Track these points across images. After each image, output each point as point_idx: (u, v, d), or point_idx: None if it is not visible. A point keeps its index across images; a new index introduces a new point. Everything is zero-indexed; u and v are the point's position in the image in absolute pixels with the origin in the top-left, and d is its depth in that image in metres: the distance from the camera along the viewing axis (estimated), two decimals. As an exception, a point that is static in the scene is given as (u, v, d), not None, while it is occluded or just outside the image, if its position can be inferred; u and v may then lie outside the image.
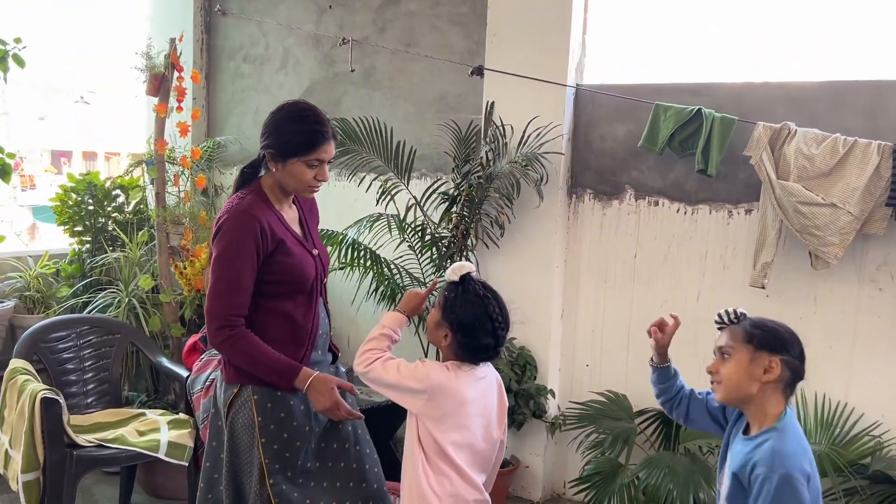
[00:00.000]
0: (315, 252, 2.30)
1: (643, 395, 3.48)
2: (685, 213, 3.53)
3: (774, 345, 1.76)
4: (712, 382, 1.84)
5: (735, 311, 1.83)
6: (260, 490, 2.16)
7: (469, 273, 2.10)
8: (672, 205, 3.55)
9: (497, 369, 3.62)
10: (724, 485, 1.83)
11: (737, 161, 3.30)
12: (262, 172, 2.25)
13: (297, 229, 2.27)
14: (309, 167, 2.13)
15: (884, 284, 3.12)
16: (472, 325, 2.06)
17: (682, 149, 3.35)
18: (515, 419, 3.61)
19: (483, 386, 2.16)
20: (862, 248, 3.14)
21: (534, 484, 3.83)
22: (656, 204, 3.59)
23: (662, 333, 2.04)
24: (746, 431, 1.82)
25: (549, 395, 3.70)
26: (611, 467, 3.32)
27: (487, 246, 3.79)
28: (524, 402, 3.60)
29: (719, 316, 1.85)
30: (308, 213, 2.38)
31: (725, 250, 3.44)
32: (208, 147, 4.68)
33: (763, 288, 3.21)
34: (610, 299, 3.73)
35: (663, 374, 2.07)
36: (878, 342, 3.16)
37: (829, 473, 2.89)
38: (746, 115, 3.23)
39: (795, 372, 1.77)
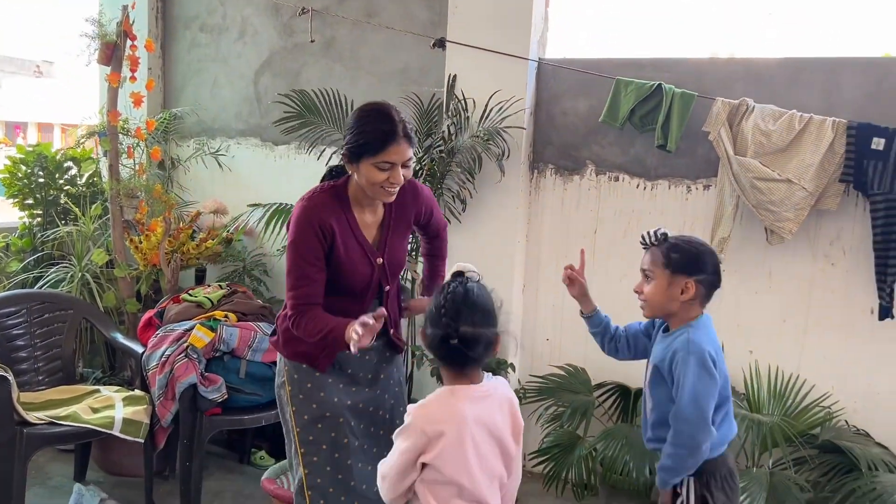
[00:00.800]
0: (379, 261, 2.27)
1: (602, 369, 3.52)
2: (645, 188, 3.55)
3: (690, 268, 1.97)
4: (640, 300, 2.07)
5: (657, 233, 2.03)
6: (295, 462, 2.32)
7: (461, 272, 1.86)
8: (632, 180, 3.57)
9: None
10: (647, 377, 2.10)
11: (696, 137, 3.33)
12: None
13: (368, 234, 2.26)
14: (379, 169, 2.08)
15: (836, 259, 3.19)
16: (427, 318, 1.83)
17: (642, 124, 3.36)
18: (476, 393, 3.62)
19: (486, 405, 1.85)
20: (816, 224, 3.19)
21: (494, 457, 3.86)
22: (616, 179, 3.61)
23: (575, 280, 2.24)
24: (667, 330, 2.08)
25: (510, 369, 3.72)
26: (569, 439, 3.36)
27: (449, 221, 3.74)
28: (485, 376, 3.61)
29: (643, 237, 2.06)
30: (398, 217, 2.30)
31: (683, 225, 3.47)
32: (164, 118, 4.56)
33: (720, 263, 3.24)
34: (570, 274, 3.74)
35: (595, 320, 2.26)
36: (829, 316, 3.23)
37: (780, 444, 2.96)
38: (706, 91, 3.25)
39: (711, 285, 1.99)
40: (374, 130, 2.07)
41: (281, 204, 3.83)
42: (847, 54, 3.19)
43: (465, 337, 1.74)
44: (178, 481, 3.18)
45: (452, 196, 3.69)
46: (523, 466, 3.92)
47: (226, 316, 3.34)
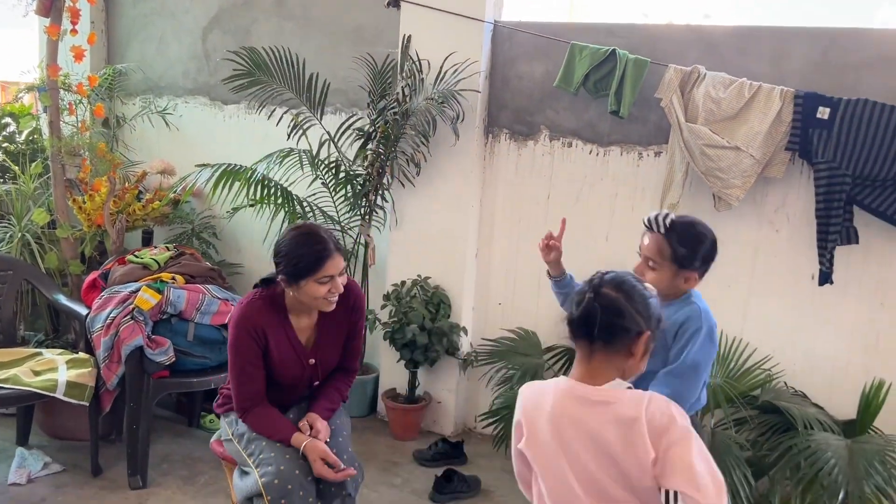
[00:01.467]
0: (311, 361, 2.43)
1: (552, 333, 3.56)
2: (597, 154, 3.57)
3: (696, 262, 1.99)
4: None
5: (664, 221, 2.00)
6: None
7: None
8: (585, 146, 3.59)
9: (410, 308, 3.66)
10: None
11: (648, 103, 3.35)
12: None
13: (302, 337, 2.42)
14: (320, 284, 2.25)
15: (780, 226, 3.26)
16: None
17: (596, 90, 3.37)
18: (429, 356, 3.64)
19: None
20: (762, 191, 3.26)
21: (446, 419, 3.90)
22: (570, 145, 3.62)
23: (553, 248, 2.24)
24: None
25: (462, 333, 3.75)
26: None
27: (403, 185, 3.75)
28: (437, 339, 3.63)
29: (648, 221, 2.04)
30: (332, 318, 2.43)
31: (634, 192, 3.51)
32: (107, 75, 4.41)
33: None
34: (523, 239, 3.76)
35: (563, 283, 2.29)
36: (773, 281, 3.32)
37: (721, 405, 3.05)
38: (660, 58, 3.26)
39: (707, 269, 2.02)
40: (309, 253, 2.24)
41: (230, 165, 3.74)
42: (794, 23, 3.23)
43: (605, 303, 1.49)
44: (124, 445, 3.14)
45: (406, 159, 3.66)
46: (473, 428, 4.00)
47: (173, 278, 3.27)
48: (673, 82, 3.16)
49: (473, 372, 3.83)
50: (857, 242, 3.02)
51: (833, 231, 3.00)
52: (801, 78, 3.12)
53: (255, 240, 4.25)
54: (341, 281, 2.30)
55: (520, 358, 3.50)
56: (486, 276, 3.88)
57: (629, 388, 1.51)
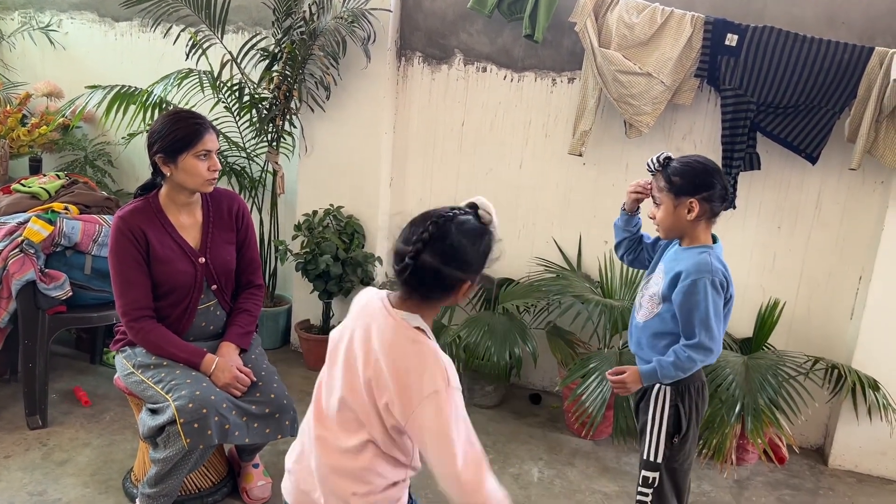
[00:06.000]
0: (201, 260, 2.40)
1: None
2: (512, 80, 3.52)
3: (691, 188, 1.99)
4: (655, 224, 2.08)
5: (660, 159, 2.04)
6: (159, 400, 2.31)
7: (475, 205, 1.55)
8: (500, 71, 3.53)
9: (323, 238, 3.57)
10: (658, 284, 2.08)
11: (562, 28, 3.31)
12: (160, 183, 2.39)
13: (188, 236, 2.40)
14: (199, 159, 2.27)
15: (687, 151, 3.30)
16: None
17: (510, 12, 3.30)
18: (343, 287, 3.59)
19: None
20: (671, 119, 3.31)
21: (361, 349, 3.88)
22: (484, 70, 3.55)
23: (643, 193, 2.18)
24: (681, 243, 2.10)
25: (378, 263, 3.70)
26: (434, 327, 3.42)
27: (312, 109, 3.60)
28: (352, 270, 3.57)
29: (648, 165, 2.07)
30: (216, 220, 2.46)
31: (548, 118, 3.50)
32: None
33: (581, 156, 3.32)
34: (437, 167, 3.71)
35: (635, 220, 2.26)
36: (678, 207, 3.41)
37: (629, 326, 3.15)
38: (574, -20, 3.21)
39: (716, 200, 2.01)
40: (185, 126, 2.27)
41: (124, 87, 3.49)
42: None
43: (425, 269, 1.43)
44: (21, 384, 2.97)
45: (315, 82, 3.51)
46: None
47: (66, 208, 3.06)
48: (587, 6, 3.12)
49: (388, 301, 3.81)
50: (759, 168, 3.13)
51: (737, 157, 3.09)
52: (710, 3, 3.14)
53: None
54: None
55: (434, 286, 3.49)
56: (400, 205, 3.82)
57: (420, 329, 1.48)
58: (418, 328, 1.49)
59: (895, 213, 3.01)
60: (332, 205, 3.72)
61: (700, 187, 1.98)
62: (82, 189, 3.26)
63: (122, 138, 3.83)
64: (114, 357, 3.51)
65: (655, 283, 2.10)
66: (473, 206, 1.52)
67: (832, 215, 3.20)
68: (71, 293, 2.91)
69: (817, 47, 2.91)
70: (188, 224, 2.42)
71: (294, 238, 3.71)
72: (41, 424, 2.95)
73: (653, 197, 2.08)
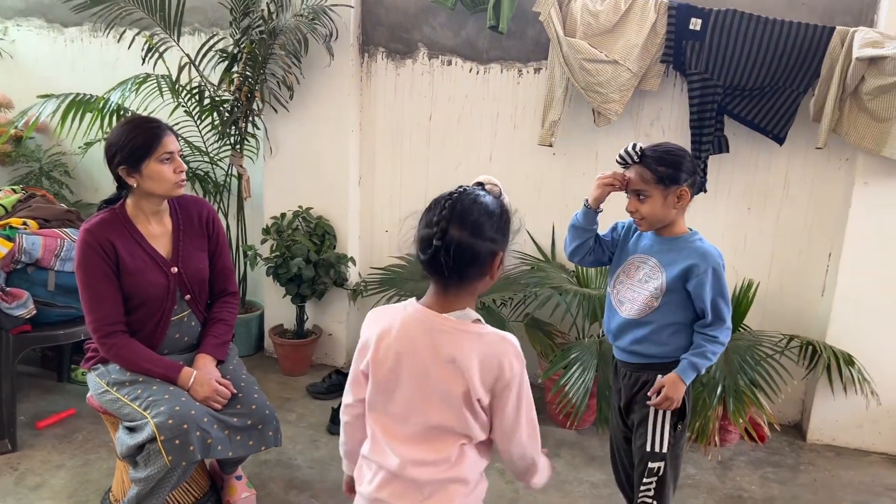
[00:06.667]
0: (174, 270, 2.32)
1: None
2: (477, 72, 3.49)
3: (679, 176, 1.97)
4: (635, 219, 2.04)
5: (634, 150, 1.98)
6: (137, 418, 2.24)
7: (481, 182, 1.55)
8: (465, 64, 3.49)
9: (293, 241, 3.50)
10: (657, 278, 2.03)
11: (526, 18, 3.29)
12: (124, 195, 2.31)
13: (158, 246, 2.31)
14: (162, 162, 2.19)
15: (656, 138, 3.34)
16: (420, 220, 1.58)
17: (473, 4, 3.27)
18: (316, 289, 3.53)
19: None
20: (638, 105, 3.32)
21: (337, 351, 3.83)
22: (449, 63, 3.51)
23: (611, 188, 2.10)
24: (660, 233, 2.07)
25: (351, 263, 3.65)
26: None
27: (276, 110, 3.52)
28: (325, 271, 3.51)
29: (621, 157, 2.01)
30: (186, 228, 2.38)
31: (516, 110, 3.48)
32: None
33: (551, 146, 3.31)
34: (406, 163, 3.67)
35: (593, 216, 2.15)
36: (649, 193, 3.42)
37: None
38: (536, -30, 3.19)
39: (697, 184, 2.04)
40: (142, 132, 2.19)
41: (78, 94, 3.37)
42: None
43: (454, 246, 1.40)
44: (-15, 409, 2.86)
45: (278, 82, 3.43)
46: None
47: (24, 223, 2.94)
48: (551, -5, 3.10)
49: (363, 301, 3.76)
50: (727, 151, 3.15)
51: (706, 141, 3.10)
52: (673, -11, 3.15)
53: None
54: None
55: (411, 284, 3.46)
56: (370, 204, 3.77)
57: (477, 320, 1.48)
58: (476, 321, 1.47)
59: (861, 190, 3.06)
60: (300, 206, 3.66)
61: (685, 173, 1.97)
62: (40, 202, 3.14)
63: (79, 147, 3.70)
64: (83, 374, 3.43)
65: (651, 276, 2.05)
66: (480, 184, 1.52)
67: (800, 194, 3.24)
68: (35, 311, 2.80)
69: (780, 29, 2.94)
70: (158, 233, 2.33)
71: (263, 242, 3.63)
72: (10, 448, 2.84)
73: (633, 191, 2.01)
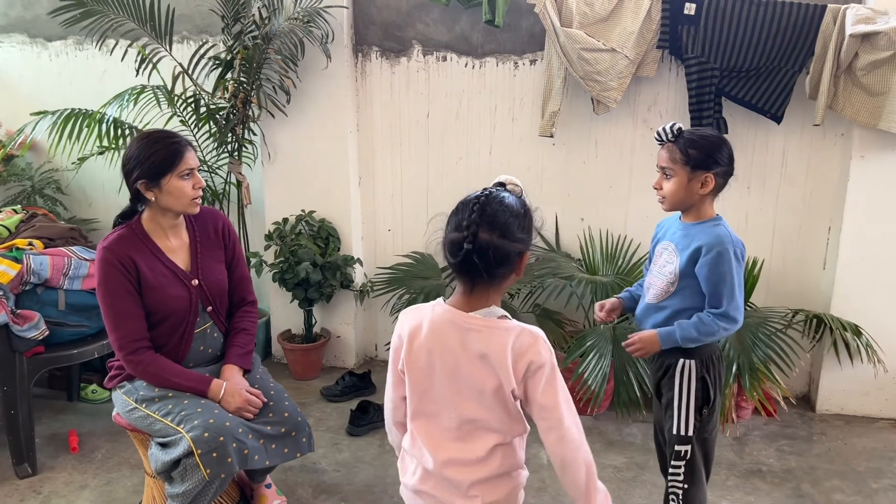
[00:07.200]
0: (195, 282, 2.31)
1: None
2: (473, 67, 3.50)
3: (708, 162, 1.98)
4: (658, 196, 2.07)
5: (672, 129, 2.01)
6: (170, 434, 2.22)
7: (502, 182, 1.57)
8: (460, 59, 3.50)
9: (299, 245, 3.49)
10: (672, 262, 2.08)
11: (520, 10, 3.30)
12: (140, 209, 2.29)
13: (177, 259, 2.31)
14: (183, 178, 2.19)
15: (654, 123, 3.38)
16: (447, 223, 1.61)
17: (467, -1, 3.27)
18: (324, 292, 3.52)
19: None
20: (635, 91, 3.35)
21: (347, 352, 3.83)
22: (444, 59, 3.52)
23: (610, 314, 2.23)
24: (683, 218, 2.10)
25: (357, 264, 3.64)
26: (424, 324, 3.39)
27: (273, 115, 3.50)
28: (332, 274, 3.50)
29: (658, 134, 2.04)
30: (203, 240, 2.38)
31: (513, 102, 3.49)
32: None
33: (552, 136, 3.33)
34: (406, 161, 3.67)
35: (631, 299, 2.29)
36: (649, 177, 3.41)
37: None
38: (528, -38, 3.20)
39: (726, 175, 2.04)
40: (163, 147, 2.17)
41: (70, 109, 3.33)
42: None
43: (484, 249, 1.43)
44: (4, 433, 2.82)
45: (274, 87, 3.41)
46: (375, 357, 3.96)
47: (30, 244, 2.90)
48: (545, -14, 3.11)
49: (370, 302, 3.77)
50: (726, 132, 3.19)
51: (706, 124, 3.14)
52: (665, -25, 3.18)
53: (108, 190, 3.86)
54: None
55: (419, 282, 3.47)
56: (371, 204, 3.76)
57: (503, 316, 1.52)
58: (502, 317, 1.51)
59: (858, 163, 3.12)
60: (303, 210, 3.64)
61: (717, 161, 1.99)
62: (43, 222, 3.10)
63: (73, 163, 3.65)
64: (93, 391, 3.40)
65: (668, 261, 2.09)
66: (501, 185, 1.55)
67: (798, 171, 3.30)
68: (48, 332, 2.77)
69: (773, 9, 2.99)
70: (176, 247, 2.33)
71: (266, 248, 3.61)
72: (31, 472, 2.81)
73: (661, 168, 2.05)
